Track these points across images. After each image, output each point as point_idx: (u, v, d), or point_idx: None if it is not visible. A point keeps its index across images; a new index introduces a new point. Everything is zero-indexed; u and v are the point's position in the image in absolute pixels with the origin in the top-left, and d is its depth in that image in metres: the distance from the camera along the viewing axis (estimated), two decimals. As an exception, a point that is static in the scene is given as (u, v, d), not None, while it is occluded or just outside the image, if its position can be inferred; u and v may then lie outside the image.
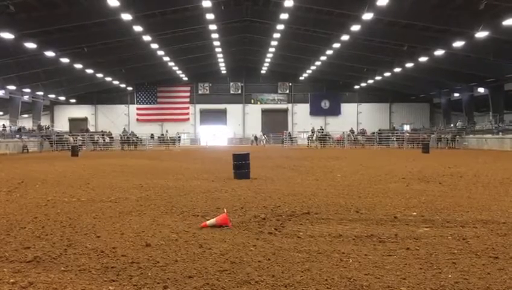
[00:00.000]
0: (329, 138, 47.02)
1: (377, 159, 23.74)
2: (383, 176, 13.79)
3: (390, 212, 7.47)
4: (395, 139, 46.86)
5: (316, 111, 63.98)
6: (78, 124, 61.78)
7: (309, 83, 62.79)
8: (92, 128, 61.12)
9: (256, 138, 59.35)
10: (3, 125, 47.00)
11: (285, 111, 65.05)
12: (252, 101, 65.13)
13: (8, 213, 7.69)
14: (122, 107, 64.17)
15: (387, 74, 49.06)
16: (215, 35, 40.52)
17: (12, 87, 46.70)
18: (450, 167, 16.86)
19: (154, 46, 40.24)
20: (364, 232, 6.05)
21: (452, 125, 50.34)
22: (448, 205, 8.22)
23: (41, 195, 9.93)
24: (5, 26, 28.67)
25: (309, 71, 56.35)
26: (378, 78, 51.97)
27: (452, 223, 6.68)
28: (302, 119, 63.31)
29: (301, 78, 61.71)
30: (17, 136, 43.31)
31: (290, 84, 64.53)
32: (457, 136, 43.28)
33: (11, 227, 6.51)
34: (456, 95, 52.26)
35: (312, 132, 48.37)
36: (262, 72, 61.42)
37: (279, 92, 65.16)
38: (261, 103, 65.17)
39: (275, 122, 63.19)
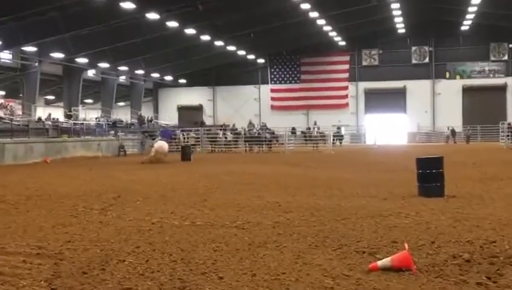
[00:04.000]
0: None
1: None
2: None
3: None
4: None
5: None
6: (190, 115, 65.69)
7: (544, 43, 58.73)
8: (209, 121, 64.49)
9: (453, 132, 57.32)
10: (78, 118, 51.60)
11: (503, 89, 61.64)
12: (447, 74, 63.07)
13: (102, 240, 8.50)
14: (250, 90, 66.72)
15: None
16: (387, -25, 40.00)
17: (105, 65, 51.45)
18: None
19: (296, -4, 41.09)
20: None
21: None
22: None
23: (144, 216, 10.79)
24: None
25: (543, 23, 52.64)
26: None
27: None
28: (532, 102, 59.54)
29: (529, 35, 58.00)
30: (112, 132, 47.44)
31: (511, 45, 60.95)
32: None
33: (107, 259, 7.18)
34: None
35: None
36: (463, 28, 59.06)
37: (492, 58, 62.08)
38: (461, 78, 62.81)
39: (484, 107, 60.33)
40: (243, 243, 8.00)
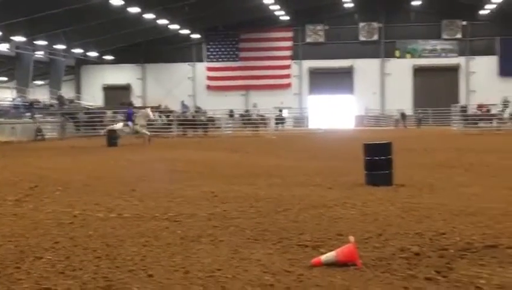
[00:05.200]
0: None
1: None
2: None
3: None
4: None
5: (510, 69, 61.48)
6: (117, 95, 64.89)
7: (497, 22, 60.29)
8: (137, 102, 63.82)
9: (403, 115, 58.34)
10: None
11: (455, 70, 63.13)
12: (397, 53, 64.14)
13: (16, 234, 8.30)
14: (184, 68, 66.36)
15: None
16: None
17: (20, 39, 50.17)
18: None
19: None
20: None
21: None
22: None
23: (65, 207, 10.61)
24: None
25: (497, 0, 54.01)
26: None
27: None
28: (484, 83, 61.31)
29: (483, 12, 59.42)
30: (28, 114, 46.45)
31: (464, 23, 62.47)
32: None
33: (22, 256, 7.02)
34: None
35: (504, 106, 46.45)
36: (415, 3, 60.05)
37: (445, 37, 63.43)
38: (412, 57, 63.97)
39: (436, 88, 61.74)
40: (175, 237, 7.97)
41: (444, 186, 12.87)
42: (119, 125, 33.74)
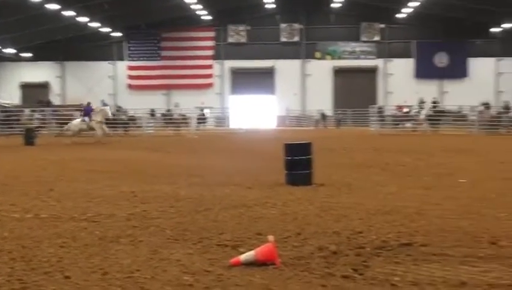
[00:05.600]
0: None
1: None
2: (540, 183, 13.47)
3: (552, 246, 7.28)
4: None
5: (425, 71, 63.19)
6: (35, 93, 63.50)
7: (414, 25, 61.86)
8: (56, 100, 62.68)
9: (323, 116, 59.07)
10: None
11: (373, 71, 64.39)
12: (318, 54, 64.92)
13: None
14: (104, 66, 65.53)
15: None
16: None
17: None
18: None
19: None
20: (505, 279, 5.93)
21: None
22: None
23: (-22, 208, 10.31)
24: None
25: (414, 4, 55.40)
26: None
27: None
28: (401, 85, 62.74)
29: (400, 15, 60.83)
30: None
31: (382, 26, 63.79)
32: None
33: None
34: None
35: (420, 107, 47.59)
36: (334, 5, 60.98)
37: (363, 39, 64.61)
38: (332, 58, 64.88)
39: (355, 90, 62.87)
40: (93, 238, 7.87)
41: (362, 186, 13.12)
42: (76, 122, 33.56)
